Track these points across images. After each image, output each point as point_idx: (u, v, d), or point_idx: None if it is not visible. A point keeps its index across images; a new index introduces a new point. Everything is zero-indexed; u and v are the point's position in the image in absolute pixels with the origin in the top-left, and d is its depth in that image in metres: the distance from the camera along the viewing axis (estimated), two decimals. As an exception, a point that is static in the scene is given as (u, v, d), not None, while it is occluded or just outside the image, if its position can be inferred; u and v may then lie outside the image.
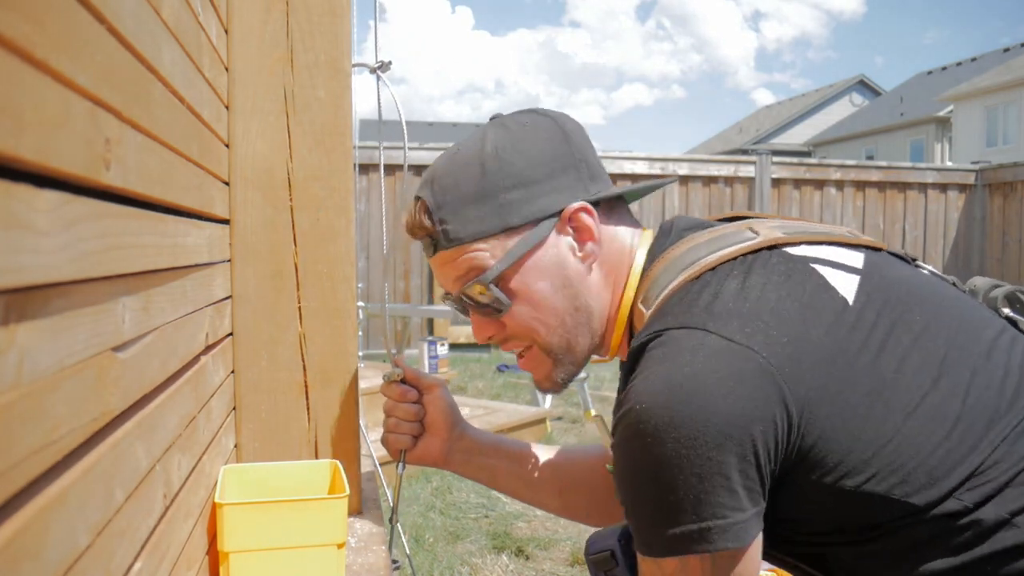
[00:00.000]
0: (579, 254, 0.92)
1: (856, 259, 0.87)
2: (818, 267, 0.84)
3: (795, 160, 8.43)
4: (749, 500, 0.74)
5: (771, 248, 0.86)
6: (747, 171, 8.04)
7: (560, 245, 0.92)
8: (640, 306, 0.90)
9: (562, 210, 0.91)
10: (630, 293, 0.93)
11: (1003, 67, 22.45)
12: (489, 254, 0.91)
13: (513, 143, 0.91)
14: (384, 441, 1.10)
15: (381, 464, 1.54)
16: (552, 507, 1.18)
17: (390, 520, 1.13)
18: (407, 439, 1.09)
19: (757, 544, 0.77)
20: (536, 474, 1.16)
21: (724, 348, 0.76)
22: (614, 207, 0.97)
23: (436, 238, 0.93)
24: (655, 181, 1.01)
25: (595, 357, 1.01)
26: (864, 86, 31.70)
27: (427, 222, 0.93)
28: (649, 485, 0.75)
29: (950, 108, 23.51)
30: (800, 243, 0.87)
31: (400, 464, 1.09)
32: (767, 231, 0.89)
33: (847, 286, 0.82)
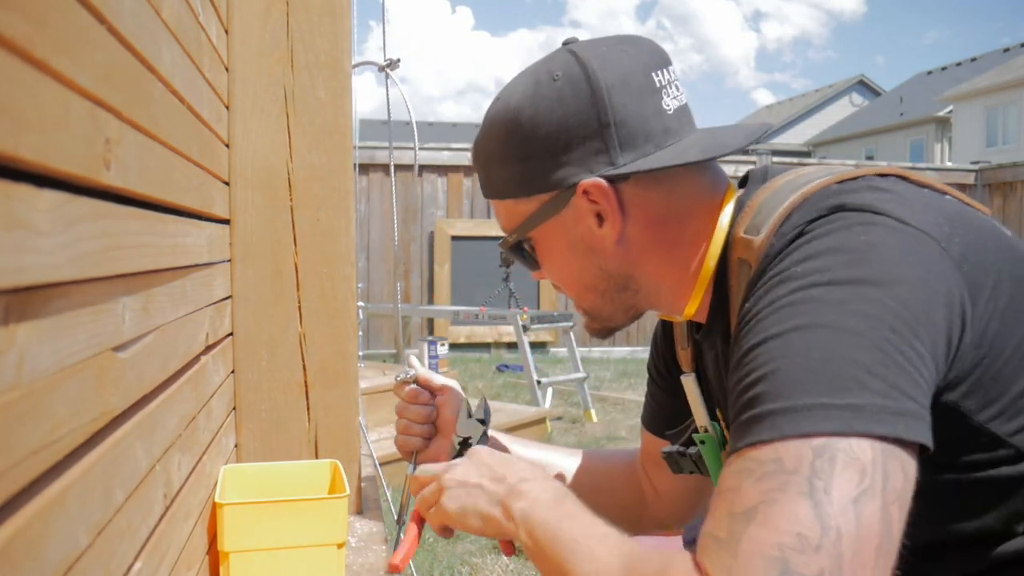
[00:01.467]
0: (603, 225, 0.87)
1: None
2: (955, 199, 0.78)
3: (795, 160, 8.45)
4: (924, 392, 0.62)
5: (895, 176, 0.79)
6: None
7: (582, 215, 0.87)
8: (745, 235, 0.81)
9: (576, 184, 0.86)
10: (714, 250, 0.86)
11: (1003, 67, 22.46)
12: (516, 213, 0.91)
13: (535, 108, 0.85)
14: (395, 442, 1.10)
15: (381, 464, 1.54)
16: None
17: (397, 521, 1.13)
18: (418, 440, 1.08)
19: (914, 464, 0.61)
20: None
21: (901, 228, 0.67)
22: (667, 171, 0.86)
23: (482, 184, 0.95)
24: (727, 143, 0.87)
25: (666, 315, 0.97)
26: (864, 86, 31.71)
27: (476, 166, 0.95)
28: (805, 347, 0.63)
29: (950, 108, 23.52)
30: (921, 182, 0.80)
31: (411, 465, 1.09)
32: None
33: (991, 220, 0.77)
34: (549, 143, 0.85)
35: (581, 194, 0.85)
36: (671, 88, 0.86)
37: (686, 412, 1.01)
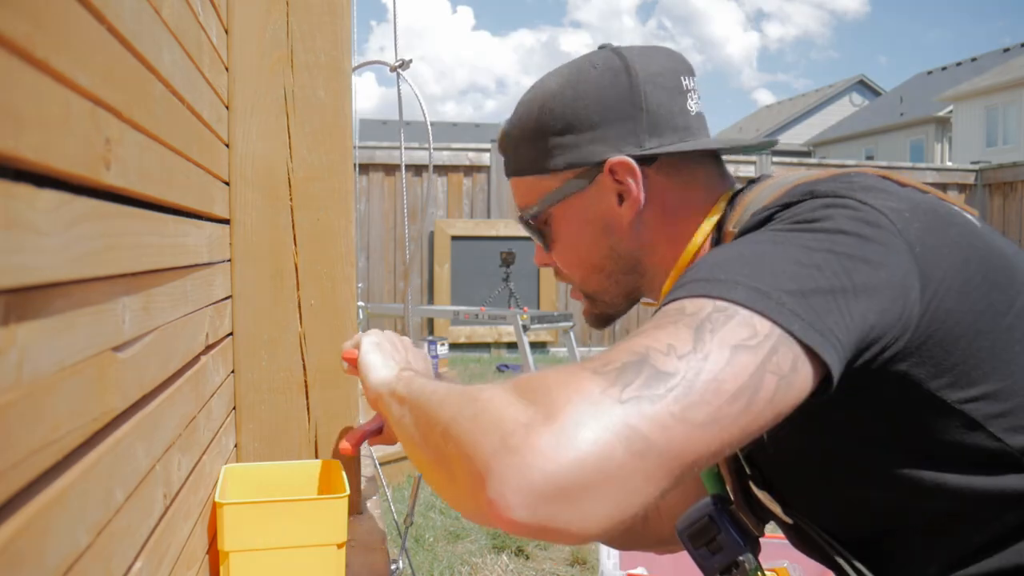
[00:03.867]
0: (623, 204, 0.91)
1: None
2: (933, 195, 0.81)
3: (795, 160, 8.45)
4: (843, 330, 0.63)
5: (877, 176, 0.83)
6: (747, 171, 8.03)
7: (604, 193, 0.91)
8: (733, 229, 0.86)
9: (605, 160, 0.90)
10: (698, 239, 0.90)
11: (1003, 67, 22.45)
12: (538, 191, 0.94)
13: (575, 88, 0.91)
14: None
15: (381, 464, 1.54)
16: None
17: (404, 521, 1.13)
18: None
19: (807, 377, 0.61)
20: None
21: (861, 207, 0.70)
22: (685, 164, 0.92)
23: (505, 163, 0.99)
24: (731, 143, 0.95)
25: (645, 300, 1.01)
26: (864, 86, 31.70)
27: (502, 146, 0.99)
28: (741, 253, 0.68)
29: (950, 108, 23.51)
30: (903, 182, 0.83)
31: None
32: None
33: (966, 214, 0.79)
34: (583, 118, 0.90)
35: (607, 171, 0.90)
36: (694, 95, 0.94)
37: None
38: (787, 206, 0.75)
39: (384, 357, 0.94)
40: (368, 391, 0.92)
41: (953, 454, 0.72)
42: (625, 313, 1.00)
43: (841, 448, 0.78)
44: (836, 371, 0.62)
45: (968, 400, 0.70)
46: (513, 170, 0.97)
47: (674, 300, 0.64)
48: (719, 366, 0.57)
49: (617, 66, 0.90)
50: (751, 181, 0.93)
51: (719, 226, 0.90)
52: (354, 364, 0.98)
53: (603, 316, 1.01)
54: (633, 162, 0.89)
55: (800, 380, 0.60)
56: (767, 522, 0.96)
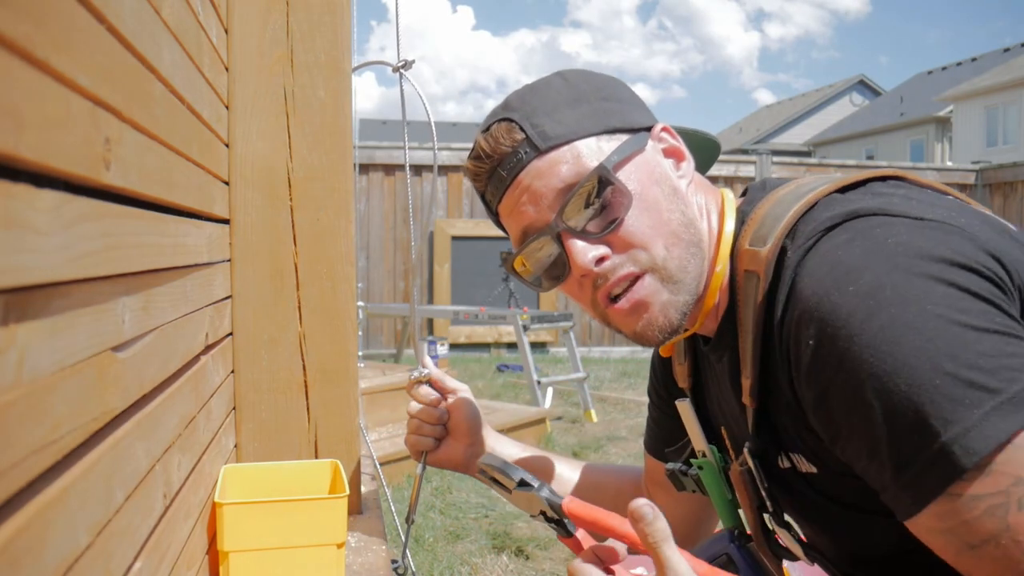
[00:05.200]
0: (680, 167, 0.86)
1: None
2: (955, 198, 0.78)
3: (795, 160, 8.45)
4: None
5: (895, 178, 0.79)
6: (747, 171, 8.04)
7: (659, 157, 0.85)
8: (751, 247, 0.78)
9: (652, 126, 0.86)
10: (724, 257, 0.82)
11: (1003, 67, 22.45)
12: (594, 152, 0.81)
13: (597, 71, 0.89)
14: (406, 441, 1.10)
15: (381, 464, 1.54)
16: None
17: (406, 520, 1.13)
18: (429, 441, 1.08)
19: None
20: (559, 491, 1.13)
21: (920, 224, 0.67)
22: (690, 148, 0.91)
23: (530, 144, 0.81)
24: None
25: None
26: (864, 86, 31.71)
27: (517, 132, 0.82)
28: (912, 367, 0.60)
29: (950, 108, 23.52)
30: (921, 183, 0.80)
31: (420, 465, 1.09)
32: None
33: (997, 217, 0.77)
34: (618, 91, 0.87)
35: (659, 131, 0.86)
36: None
37: (683, 433, 1.00)
38: (832, 229, 0.70)
39: None
40: None
41: None
42: (678, 334, 0.84)
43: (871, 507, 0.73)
44: None
45: None
46: (559, 133, 0.81)
47: (960, 479, 0.59)
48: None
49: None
50: (745, 192, 0.89)
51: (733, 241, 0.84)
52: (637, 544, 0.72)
53: (675, 323, 0.82)
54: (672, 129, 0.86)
55: None
56: (783, 560, 0.92)
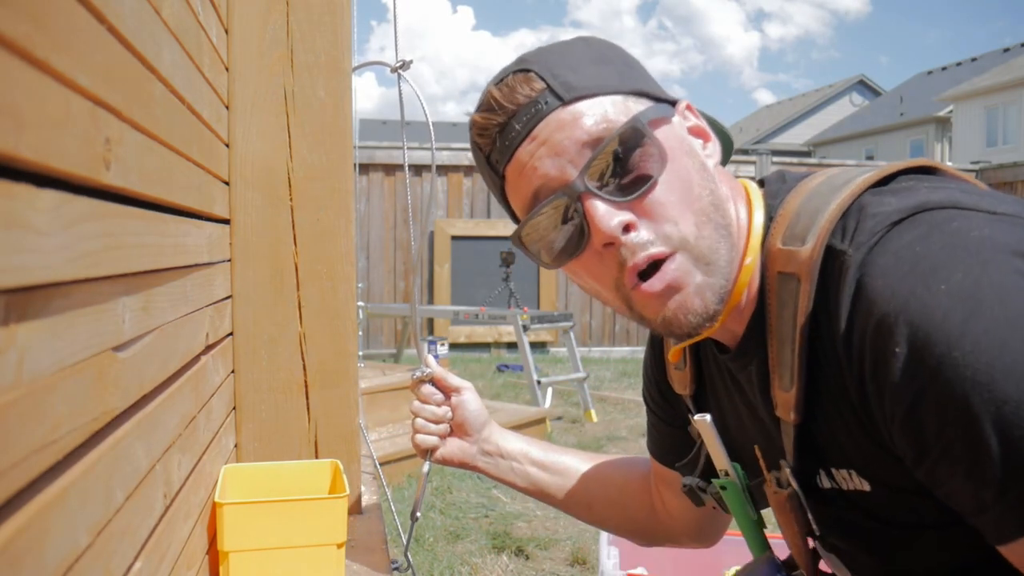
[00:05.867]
0: (706, 147, 0.78)
1: None
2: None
3: (795, 160, 8.45)
4: None
5: (930, 168, 0.74)
6: (747, 171, 8.04)
7: (686, 132, 0.77)
8: (785, 246, 0.71)
9: (676, 101, 0.78)
10: (752, 261, 0.74)
11: (1003, 67, 22.45)
12: (622, 109, 0.73)
13: (602, 40, 0.81)
14: (412, 439, 1.10)
15: (381, 464, 1.54)
16: (582, 517, 1.15)
17: (411, 517, 1.13)
18: (434, 439, 1.08)
19: None
20: (566, 485, 1.13)
21: (996, 218, 0.61)
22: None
23: (552, 93, 0.73)
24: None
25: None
26: (864, 86, 31.70)
27: (536, 82, 0.73)
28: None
29: (950, 108, 23.52)
30: (955, 174, 0.75)
31: (426, 463, 1.09)
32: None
33: None
34: (643, 67, 0.79)
35: (684, 108, 0.78)
36: None
37: (690, 441, 0.97)
38: (898, 223, 0.64)
39: None
40: None
41: None
42: (711, 325, 0.75)
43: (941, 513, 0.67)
44: None
45: None
46: (585, 87, 0.73)
47: None
48: None
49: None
50: (761, 184, 0.82)
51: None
52: None
53: (712, 310, 0.73)
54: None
55: None
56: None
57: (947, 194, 0.65)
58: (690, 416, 0.94)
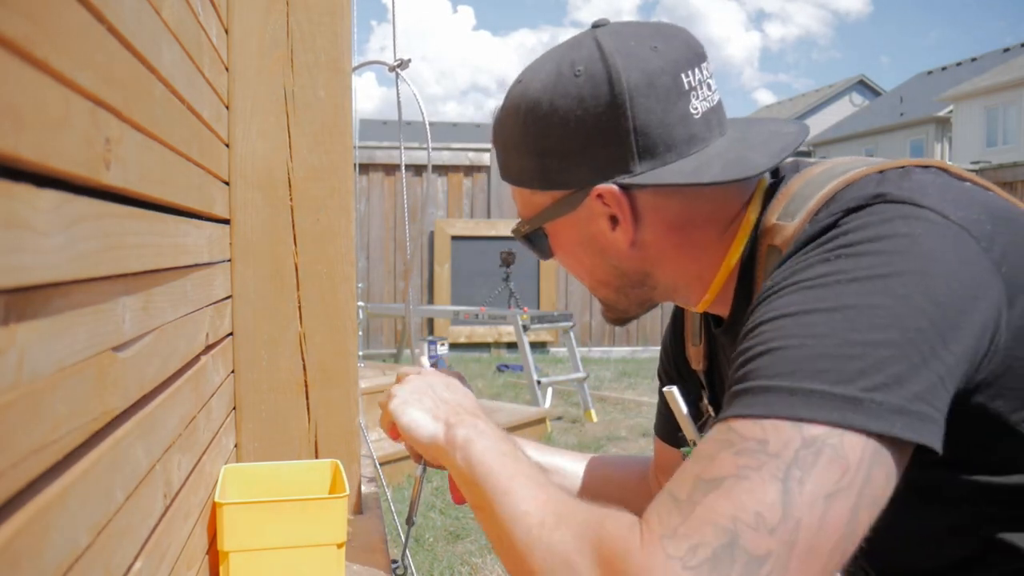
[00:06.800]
0: (616, 229, 0.84)
1: None
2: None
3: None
4: (939, 394, 0.59)
5: (937, 168, 0.76)
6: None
7: (595, 217, 0.84)
8: (779, 221, 0.78)
9: (592, 186, 0.82)
10: (741, 239, 0.82)
11: (1003, 67, 22.46)
12: (532, 205, 0.89)
13: (553, 104, 0.81)
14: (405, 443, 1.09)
15: (381, 464, 1.54)
16: None
17: (407, 521, 1.12)
18: None
19: (902, 467, 0.59)
20: (564, 484, 1.11)
21: (942, 224, 0.64)
22: None
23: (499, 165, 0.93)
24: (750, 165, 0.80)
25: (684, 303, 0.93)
26: (864, 86, 31.71)
27: (494, 145, 0.92)
28: (818, 330, 0.60)
29: (950, 108, 23.52)
30: (963, 176, 0.77)
31: (420, 467, 1.09)
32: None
33: None
34: (565, 142, 0.81)
35: (595, 197, 0.82)
36: (702, 89, 0.81)
37: (699, 417, 0.99)
38: (854, 211, 0.68)
39: (423, 412, 0.85)
40: (427, 456, 0.87)
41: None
42: (643, 315, 0.96)
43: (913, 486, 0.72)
44: (939, 444, 0.58)
45: None
46: (507, 176, 0.90)
47: (752, 418, 0.58)
48: (812, 531, 0.54)
49: (600, 75, 0.79)
50: (777, 171, 0.85)
51: (756, 221, 0.82)
52: (395, 432, 0.90)
53: (619, 319, 0.96)
54: (619, 190, 0.80)
55: (891, 486, 0.58)
56: None
57: (913, 189, 0.68)
58: (702, 392, 0.98)
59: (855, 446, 0.56)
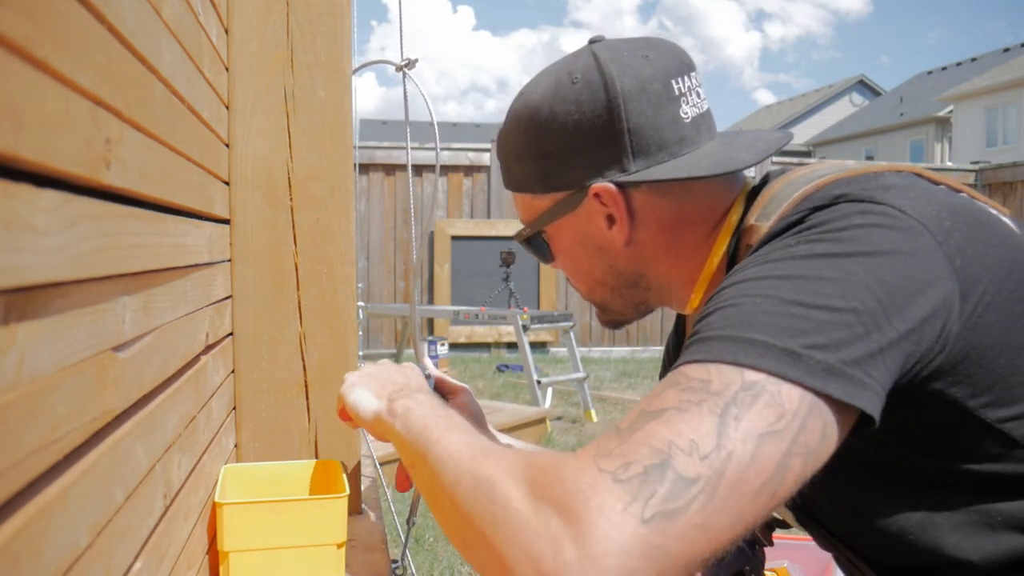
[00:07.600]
0: (613, 228, 0.89)
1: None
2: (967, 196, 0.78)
3: (795, 160, 8.45)
4: (880, 366, 0.61)
5: (910, 173, 0.80)
6: (747, 171, 8.04)
7: (592, 216, 0.89)
8: (756, 222, 0.82)
9: (589, 186, 0.87)
10: (721, 241, 0.87)
11: (1003, 67, 22.46)
12: (532, 209, 0.94)
13: (552, 108, 0.87)
14: None
15: (381, 464, 1.54)
16: None
17: (407, 522, 1.12)
18: None
19: (841, 430, 0.60)
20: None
21: (899, 216, 0.68)
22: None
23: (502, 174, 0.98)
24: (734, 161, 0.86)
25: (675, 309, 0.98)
26: (864, 86, 31.71)
27: (498, 156, 0.97)
28: (769, 292, 0.64)
29: (950, 108, 23.52)
30: (936, 180, 0.80)
31: None
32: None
33: (1003, 217, 0.76)
34: (564, 144, 0.87)
35: (592, 196, 0.87)
36: (691, 95, 0.87)
37: None
38: (818, 209, 0.72)
39: (368, 392, 0.89)
40: (373, 432, 0.88)
41: (990, 473, 0.70)
42: (639, 319, 0.99)
43: (870, 463, 0.75)
44: (877, 414, 0.60)
45: (1009, 419, 0.68)
46: (510, 184, 0.96)
47: (698, 362, 0.61)
48: (743, 465, 0.55)
49: (596, 81, 0.85)
50: (767, 177, 0.89)
51: (738, 222, 0.87)
52: (346, 415, 0.94)
53: (614, 322, 1.00)
54: (615, 188, 0.86)
55: (829, 444, 0.59)
56: (775, 529, 0.94)
57: (874, 189, 0.72)
58: None
59: (792, 396, 0.58)
